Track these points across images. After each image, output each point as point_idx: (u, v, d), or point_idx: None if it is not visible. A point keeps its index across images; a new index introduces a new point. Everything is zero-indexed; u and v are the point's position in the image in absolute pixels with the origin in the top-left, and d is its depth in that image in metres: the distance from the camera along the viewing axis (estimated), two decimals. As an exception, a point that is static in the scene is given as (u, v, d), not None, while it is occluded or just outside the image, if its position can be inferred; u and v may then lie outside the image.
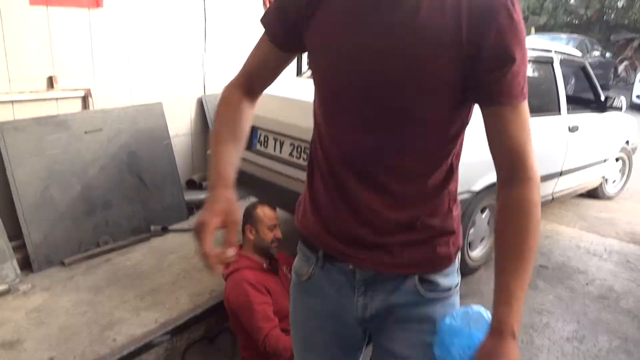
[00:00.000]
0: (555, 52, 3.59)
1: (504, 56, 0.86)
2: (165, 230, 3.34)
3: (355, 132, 0.97)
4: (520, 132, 0.90)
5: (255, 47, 1.08)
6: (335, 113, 1.00)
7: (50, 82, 3.01)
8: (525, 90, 0.90)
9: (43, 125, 2.91)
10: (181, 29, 3.72)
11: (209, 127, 3.98)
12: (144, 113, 3.44)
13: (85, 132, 3.10)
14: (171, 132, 3.61)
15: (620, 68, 15.00)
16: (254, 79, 1.09)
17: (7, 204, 2.72)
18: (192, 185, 3.89)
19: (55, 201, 2.89)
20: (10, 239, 2.68)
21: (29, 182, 2.79)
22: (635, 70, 14.56)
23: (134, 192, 3.30)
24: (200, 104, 3.99)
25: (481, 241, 3.24)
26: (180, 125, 3.85)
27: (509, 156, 0.92)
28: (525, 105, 0.91)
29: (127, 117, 3.34)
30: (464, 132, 1.00)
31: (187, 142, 3.94)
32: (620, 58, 15.44)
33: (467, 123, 0.99)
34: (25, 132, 2.83)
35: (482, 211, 3.13)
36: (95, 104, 3.23)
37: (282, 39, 1.02)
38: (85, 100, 3.19)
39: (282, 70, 1.10)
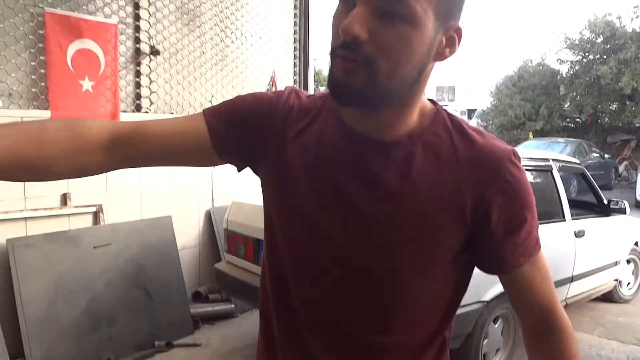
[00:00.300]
0: (553, 160, 3.70)
1: (516, 222, 0.78)
2: (169, 345, 3.25)
3: (329, 299, 0.81)
4: (544, 284, 0.83)
5: (181, 118, 0.87)
6: (304, 272, 0.83)
7: (64, 199, 3.11)
8: (539, 240, 0.82)
9: (53, 241, 2.96)
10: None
11: (217, 239, 4.02)
12: (153, 226, 3.50)
13: (94, 247, 3.14)
14: (179, 245, 3.65)
15: (621, 168, 15.30)
16: (140, 138, 0.82)
17: (11, 321, 2.69)
18: (198, 297, 3.85)
19: (60, 317, 2.86)
20: (11, 357, 2.62)
21: (34, 299, 2.78)
22: (635, 169, 14.86)
23: (140, 306, 3.26)
24: (209, 217, 4.07)
25: (496, 352, 3.12)
26: (188, 237, 3.89)
27: (537, 311, 0.83)
28: (542, 254, 0.83)
29: (136, 231, 3.39)
30: (460, 302, 0.86)
31: (194, 254, 3.96)
32: (619, 158, 15.81)
33: (464, 292, 0.86)
34: (36, 248, 2.87)
35: (495, 321, 3.05)
36: (106, 219, 3.30)
37: (224, 141, 0.84)
38: (96, 215, 3.27)
39: (183, 162, 0.90)
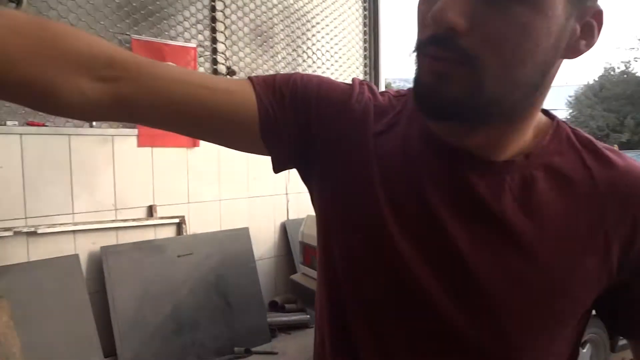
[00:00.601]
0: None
1: None
2: (248, 352, 3.34)
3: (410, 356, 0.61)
4: None
5: (219, 77, 0.67)
6: (376, 318, 0.62)
7: (150, 211, 3.32)
8: None
9: (141, 249, 3.17)
10: (266, 160, 4.04)
11: (292, 250, 4.12)
12: (231, 237, 3.65)
13: (178, 256, 3.32)
14: (256, 255, 3.77)
15: None
16: (154, 75, 0.58)
17: (105, 322, 2.89)
18: (274, 306, 3.94)
19: (148, 321, 3.03)
20: (105, 355, 2.81)
21: (125, 302, 2.98)
22: None
23: (220, 313, 3.39)
24: (284, 229, 4.17)
25: (586, 377, 2.94)
26: (264, 248, 4.01)
27: None
28: None
29: (216, 242, 3.55)
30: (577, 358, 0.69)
31: (270, 264, 4.07)
32: None
33: (580, 343, 0.69)
34: (126, 255, 3.08)
35: (583, 346, 2.88)
36: (188, 229, 3.49)
37: (274, 122, 0.63)
38: (179, 226, 3.46)
39: (206, 131, 0.65)
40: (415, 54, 0.55)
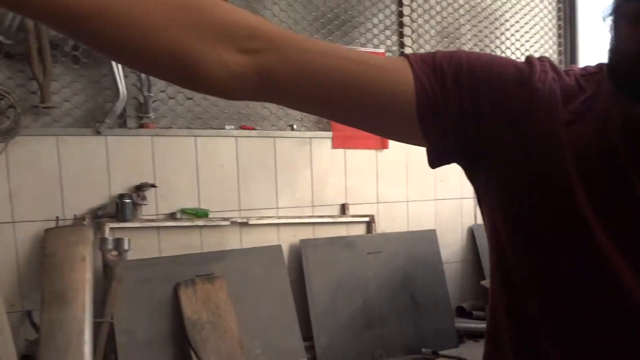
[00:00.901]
0: None
1: None
2: (436, 354, 3.30)
3: None
4: None
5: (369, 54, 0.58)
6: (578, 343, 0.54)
7: (343, 209, 3.51)
8: None
9: (334, 245, 3.36)
10: (454, 164, 3.98)
11: (480, 256, 3.97)
12: (419, 239, 3.67)
13: (368, 253, 3.44)
14: (443, 258, 3.72)
15: None
16: (301, 47, 0.54)
17: (303, 308, 3.13)
18: (461, 312, 3.83)
19: (340, 312, 3.20)
20: (304, 339, 3.03)
21: (320, 292, 3.18)
22: None
23: (407, 312, 3.42)
24: (471, 233, 4.05)
25: None
26: (451, 252, 3.94)
27: None
28: None
29: (404, 242, 3.60)
30: None
31: (457, 269, 3.98)
32: None
33: None
34: (321, 249, 3.30)
35: None
36: (377, 228, 3.60)
37: (435, 103, 0.55)
38: (369, 225, 3.59)
39: (355, 111, 0.58)
40: (611, 17, 0.45)
